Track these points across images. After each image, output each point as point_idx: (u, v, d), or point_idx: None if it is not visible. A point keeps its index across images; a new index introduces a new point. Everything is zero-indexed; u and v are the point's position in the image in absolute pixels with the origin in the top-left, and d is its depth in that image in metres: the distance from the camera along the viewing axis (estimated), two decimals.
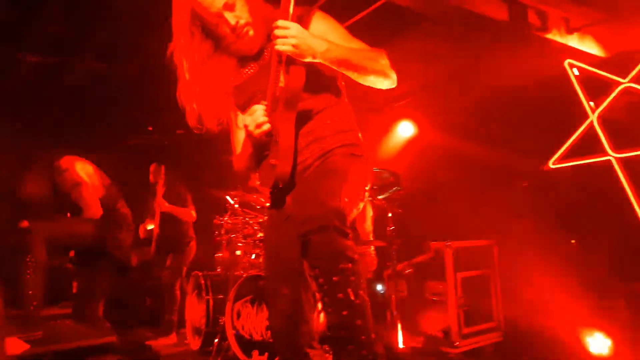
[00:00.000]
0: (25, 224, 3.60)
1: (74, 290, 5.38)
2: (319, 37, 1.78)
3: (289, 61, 1.73)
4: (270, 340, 3.74)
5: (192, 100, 1.95)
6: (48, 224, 3.77)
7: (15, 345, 2.57)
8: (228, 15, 1.86)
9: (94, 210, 3.93)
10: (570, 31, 4.35)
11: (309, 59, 1.73)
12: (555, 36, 4.25)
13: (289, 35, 1.68)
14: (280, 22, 1.69)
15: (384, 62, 1.87)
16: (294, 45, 1.68)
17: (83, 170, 4.07)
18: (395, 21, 4.15)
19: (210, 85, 1.97)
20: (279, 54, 1.73)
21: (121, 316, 3.95)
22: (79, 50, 4.88)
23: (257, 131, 1.82)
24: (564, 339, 3.65)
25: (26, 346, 2.63)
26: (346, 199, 1.73)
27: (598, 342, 3.53)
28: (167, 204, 5.23)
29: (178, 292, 5.23)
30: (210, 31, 1.93)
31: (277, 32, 1.69)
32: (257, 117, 1.81)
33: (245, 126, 1.84)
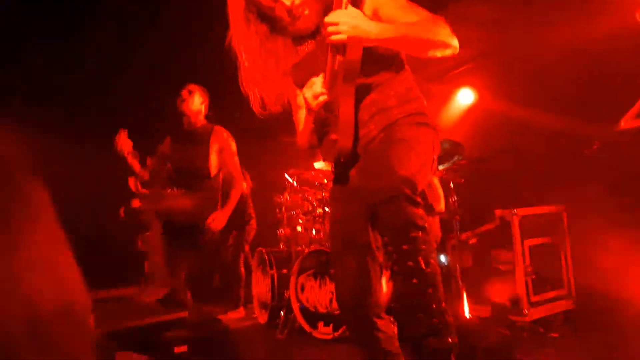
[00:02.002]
0: (136, 203, 3.78)
1: (146, 270, 5.63)
2: (374, 19, 1.75)
3: (343, 46, 1.70)
4: (335, 312, 3.79)
5: (254, 86, 1.99)
6: (158, 200, 3.92)
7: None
8: None
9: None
10: None
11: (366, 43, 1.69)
12: None
13: (341, 29, 1.63)
14: (329, 18, 1.66)
15: (444, 30, 1.80)
16: (347, 37, 1.65)
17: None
18: None
19: (270, 68, 1.98)
20: (335, 46, 1.71)
21: (192, 292, 4.08)
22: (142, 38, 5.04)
23: (315, 102, 1.81)
24: (638, 306, 3.49)
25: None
26: (415, 168, 1.71)
27: None
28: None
29: (242, 268, 5.38)
30: (265, 15, 1.94)
31: (328, 28, 1.66)
32: (315, 89, 1.80)
33: (305, 100, 1.84)
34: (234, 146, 3.96)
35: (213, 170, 3.87)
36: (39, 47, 4.95)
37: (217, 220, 3.76)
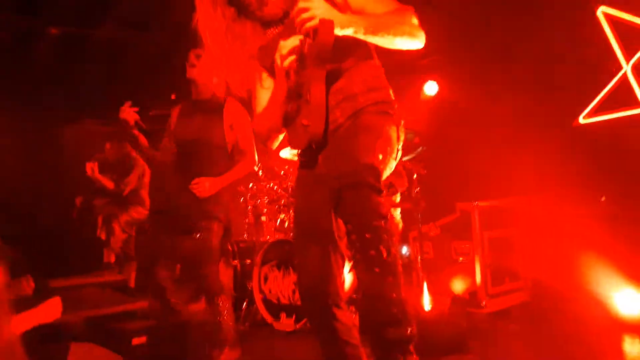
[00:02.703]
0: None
1: (104, 260, 5.49)
2: (344, 8, 1.75)
3: (314, 31, 1.68)
4: (297, 303, 3.78)
5: (220, 70, 1.94)
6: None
7: (53, 307, 2.63)
8: None
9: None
10: None
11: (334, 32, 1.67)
12: None
13: (314, 13, 1.63)
14: (300, 4, 1.65)
15: (412, 22, 1.80)
16: (320, 20, 1.63)
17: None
18: None
19: (236, 51, 1.94)
20: (305, 32, 1.68)
21: (152, 282, 4.00)
22: (102, 20, 4.88)
23: (285, 62, 1.77)
24: (593, 298, 3.61)
25: (59, 313, 2.68)
26: (380, 156, 1.71)
27: (629, 301, 3.47)
28: None
29: None
30: None
31: (299, 15, 1.65)
32: (283, 49, 1.77)
33: (276, 63, 1.79)
34: (248, 120, 3.32)
35: (229, 147, 3.35)
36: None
37: (203, 185, 3.13)
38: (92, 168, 5.13)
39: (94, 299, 3.83)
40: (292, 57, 1.76)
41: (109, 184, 5.24)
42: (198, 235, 3.11)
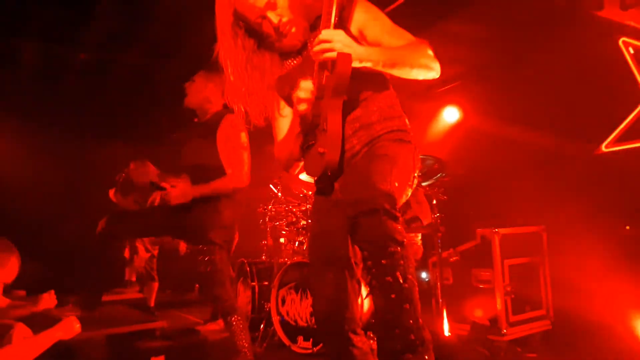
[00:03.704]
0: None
1: (126, 278, 5.56)
2: (362, 38, 1.81)
3: (332, 63, 1.73)
4: (315, 326, 3.77)
5: (239, 100, 2.00)
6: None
7: (70, 327, 2.68)
8: (271, 15, 1.88)
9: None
10: (625, 8, 4.15)
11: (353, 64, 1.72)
12: (609, 14, 4.06)
13: (334, 46, 1.68)
14: (322, 35, 1.70)
15: (427, 54, 1.85)
16: (338, 54, 1.68)
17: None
18: (442, 3, 4.05)
19: (255, 82, 2.00)
20: (323, 62, 1.74)
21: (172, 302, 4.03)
22: (127, 47, 5.04)
23: (301, 107, 1.83)
24: (615, 328, 3.54)
25: (78, 330, 2.73)
26: (396, 184, 1.74)
27: None
28: None
29: None
30: (253, 30, 1.95)
31: (320, 46, 1.70)
32: (301, 91, 1.82)
33: (295, 100, 1.85)
34: (243, 137, 3.27)
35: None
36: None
37: (174, 191, 3.08)
38: (114, 193, 5.23)
39: (114, 317, 3.87)
40: (306, 105, 1.82)
41: (132, 206, 5.33)
42: (201, 258, 3.15)
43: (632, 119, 3.99)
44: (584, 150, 4.30)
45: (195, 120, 3.50)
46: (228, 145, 3.25)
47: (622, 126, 4.03)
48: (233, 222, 3.36)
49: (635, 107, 3.97)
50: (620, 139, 4.05)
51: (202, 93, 3.42)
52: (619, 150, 4.04)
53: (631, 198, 4.06)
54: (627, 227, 4.08)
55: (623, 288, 3.65)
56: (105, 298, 4.83)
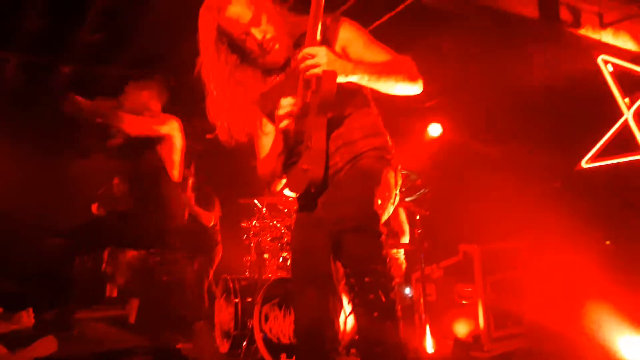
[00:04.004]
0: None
1: (107, 294, 5.47)
2: (345, 55, 1.83)
3: (317, 80, 1.74)
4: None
5: (221, 116, 1.99)
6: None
7: (47, 345, 2.64)
8: (254, 31, 1.88)
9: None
10: (604, 26, 4.26)
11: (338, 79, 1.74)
12: (588, 32, 4.16)
13: (319, 62, 1.69)
14: (306, 51, 1.72)
15: (411, 69, 1.87)
16: (323, 71, 1.70)
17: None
18: (423, 21, 4.12)
19: (238, 97, 1.99)
20: (308, 78, 1.75)
21: (151, 319, 3.97)
22: (112, 59, 5.03)
23: (282, 124, 1.83)
24: (597, 342, 3.55)
25: (54, 348, 2.69)
26: (379, 201, 1.75)
27: (633, 347, 3.42)
28: (192, 200, 5.29)
29: (205, 296, 5.28)
30: (236, 46, 1.95)
31: (305, 62, 1.71)
32: (282, 109, 1.82)
33: (277, 118, 1.85)
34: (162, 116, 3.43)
35: (175, 175, 3.47)
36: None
37: None
38: (97, 208, 5.18)
39: (94, 334, 3.80)
40: (287, 122, 1.82)
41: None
42: (159, 265, 3.19)
43: (611, 136, 4.07)
44: (564, 166, 4.37)
45: None
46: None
47: (601, 143, 4.11)
48: (186, 227, 3.43)
49: (614, 123, 4.05)
50: (599, 155, 4.13)
51: (138, 102, 3.50)
52: (599, 166, 4.11)
53: (611, 213, 4.12)
54: (607, 242, 4.13)
55: (604, 304, 3.67)
56: (85, 315, 4.75)
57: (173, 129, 3.45)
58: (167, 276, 3.21)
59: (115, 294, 5.46)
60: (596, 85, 4.13)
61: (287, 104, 1.81)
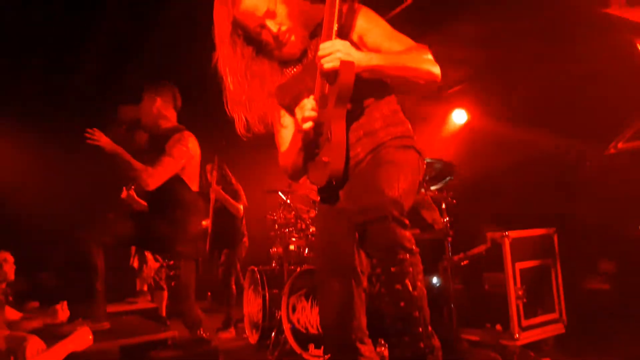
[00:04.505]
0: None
1: (137, 288, 5.59)
2: (362, 44, 1.82)
3: (335, 71, 1.74)
4: None
5: (239, 108, 1.99)
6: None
7: (82, 338, 2.70)
8: (270, 23, 1.88)
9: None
10: (632, 4, 4.12)
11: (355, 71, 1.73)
12: (615, 10, 4.04)
13: (336, 56, 1.69)
14: (323, 45, 1.72)
15: (428, 58, 1.84)
16: (340, 63, 1.70)
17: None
18: (446, 5, 4.04)
19: (254, 90, 2.00)
20: (326, 71, 1.74)
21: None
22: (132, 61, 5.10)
23: (306, 125, 1.82)
24: (630, 330, 3.49)
25: (90, 341, 2.75)
26: (403, 190, 1.73)
27: None
28: (221, 191, 5.35)
29: (234, 287, 5.35)
30: (251, 38, 1.96)
31: (321, 53, 1.72)
32: (305, 110, 1.81)
33: (296, 121, 1.85)
34: (176, 152, 3.41)
35: (193, 185, 3.54)
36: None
37: None
38: (127, 190, 5.25)
39: (126, 327, 3.88)
40: (310, 124, 1.81)
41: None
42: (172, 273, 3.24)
43: None
44: (594, 150, 4.26)
45: None
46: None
47: (634, 125, 3.98)
48: (198, 235, 3.48)
49: None
50: (631, 138, 4.01)
51: (153, 110, 3.60)
52: (630, 150, 3.99)
53: None
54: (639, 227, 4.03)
55: (634, 290, 3.60)
56: (118, 308, 4.86)
57: (191, 151, 3.50)
58: (173, 282, 3.30)
59: (145, 287, 5.57)
60: (629, 66, 4.00)
61: (310, 106, 1.80)
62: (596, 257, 3.86)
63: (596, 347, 3.53)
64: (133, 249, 5.33)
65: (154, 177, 3.34)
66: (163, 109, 3.62)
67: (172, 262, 3.27)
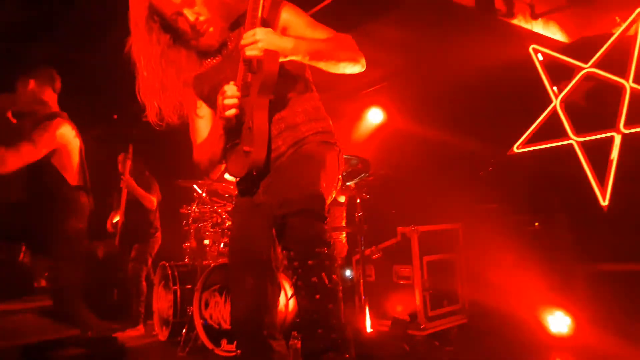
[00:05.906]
0: None
1: (34, 284, 5.23)
2: (285, 35, 1.79)
3: (259, 60, 1.71)
4: None
5: (152, 96, 1.91)
6: None
7: None
8: (187, 12, 1.82)
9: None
10: (535, 17, 4.45)
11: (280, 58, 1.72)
12: (520, 22, 4.34)
13: (259, 44, 1.67)
14: (248, 33, 1.69)
15: (352, 46, 1.87)
16: (264, 51, 1.67)
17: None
18: (363, 8, 4.13)
19: (169, 78, 1.92)
20: (249, 59, 1.71)
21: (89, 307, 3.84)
22: (41, 37, 4.74)
23: (229, 112, 1.77)
24: (526, 319, 3.76)
25: None
26: (324, 185, 1.75)
27: (558, 321, 3.64)
28: (133, 182, 5.13)
29: (144, 283, 5.15)
30: (168, 25, 1.88)
31: (243, 42, 1.69)
32: (226, 97, 1.77)
33: (218, 107, 1.80)
34: (37, 137, 3.17)
35: (71, 178, 3.34)
36: None
37: None
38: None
39: (23, 326, 3.64)
40: (234, 111, 1.76)
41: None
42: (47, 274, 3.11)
43: (541, 121, 4.27)
44: (497, 151, 4.54)
45: None
46: None
47: (532, 128, 4.29)
48: (78, 234, 3.30)
49: (544, 110, 4.24)
50: (530, 141, 4.31)
51: (28, 95, 3.37)
52: (530, 151, 4.30)
53: (540, 196, 4.33)
54: (536, 224, 4.34)
55: (532, 282, 3.87)
56: (10, 306, 4.53)
57: (58, 139, 3.26)
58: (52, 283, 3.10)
59: (43, 284, 5.22)
60: (528, 74, 4.30)
61: (230, 93, 1.75)
62: (498, 251, 4.11)
63: (496, 336, 3.75)
64: (23, 244, 4.97)
65: (5, 160, 3.03)
66: (39, 93, 3.36)
67: (51, 263, 3.03)
